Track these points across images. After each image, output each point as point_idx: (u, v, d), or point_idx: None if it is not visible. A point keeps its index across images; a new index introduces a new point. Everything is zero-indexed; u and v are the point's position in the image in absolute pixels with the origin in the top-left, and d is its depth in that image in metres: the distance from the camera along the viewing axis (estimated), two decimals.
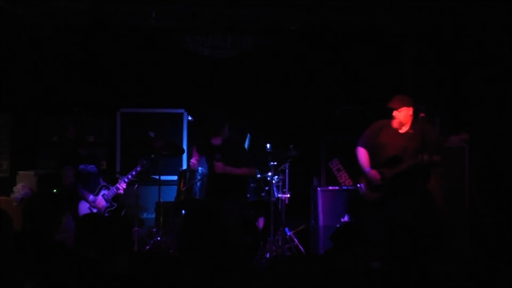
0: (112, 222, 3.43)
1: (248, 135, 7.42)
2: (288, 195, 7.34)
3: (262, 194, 7.20)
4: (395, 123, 5.93)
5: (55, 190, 7.33)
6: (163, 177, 7.12)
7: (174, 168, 7.88)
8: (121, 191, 6.75)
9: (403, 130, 5.95)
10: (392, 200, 5.86)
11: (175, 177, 7.63)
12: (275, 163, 7.20)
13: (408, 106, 5.89)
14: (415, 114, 5.93)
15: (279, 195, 7.30)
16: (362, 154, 6.07)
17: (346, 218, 7.01)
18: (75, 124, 6.82)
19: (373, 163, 6.01)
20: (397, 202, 5.83)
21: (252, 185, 7.18)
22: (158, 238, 6.97)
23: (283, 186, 7.35)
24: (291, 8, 7.52)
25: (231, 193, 6.07)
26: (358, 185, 6.07)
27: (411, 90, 8.02)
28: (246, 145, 7.27)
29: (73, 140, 6.76)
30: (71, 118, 7.94)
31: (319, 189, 7.38)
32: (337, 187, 7.51)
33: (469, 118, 7.12)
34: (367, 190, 6.00)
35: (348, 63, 8.38)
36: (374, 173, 5.94)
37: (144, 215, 7.89)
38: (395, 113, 5.90)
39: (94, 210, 6.53)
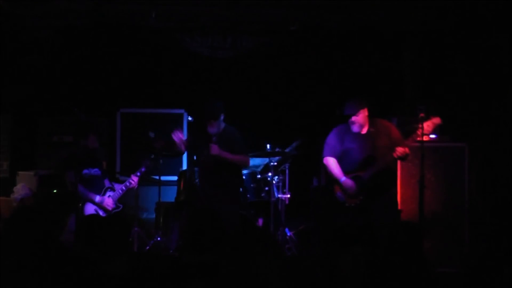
0: (110, 223, 3.43)
1: (296, 142, 7.40)
2: (288, 195, 7.34)
3: (262, 195, 7.20)
4: (355, 127, 5.90)
5: (55, 191, 7.33)
6: (163, 178, 7.12)
7: (174, 168, 7.88)
8: (134, 184, 6.65)
9: (364, 130, 5.95)
10: (373, 201, 5.84)
11: (175, 178, 7.64)
12: (275, 163, 7.21)
13: (363, 107, 5.89)
14: (370, 113, 5.93)
15: (279, 195, 7.30)
16: (333, 164, 6.00)
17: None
18: (94, 132, 6.68)
19: (343, 168, 5.97)
20: (378, 203, 5.82)
21: (252, 185, 7.19)
22: (158, 239, 6.98)
23: (283, 186, 7.35)
24: (290, 8, 7.52)
25: (227, 189, 6.13)
26: (336, 194, 6.02)
27: (411, 90, 8.03)
28: (288, 149, 7.28)
29: (96, 149, 6.67)
30: (70, 118, 7.94)
31: None
32: None
33: (469, 118, 7.12)
34: (346, 197, 5.96)
35: (348, 63, 8.38)
36: (350, 183, 5.86)
37: (144, 216, 7.90)
38: (353, 118, 5.87)
39: (100, 212, 6.46)
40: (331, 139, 6.08)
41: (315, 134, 7.95)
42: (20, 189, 7.45)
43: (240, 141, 6.21)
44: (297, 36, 8.26)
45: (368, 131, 5.94)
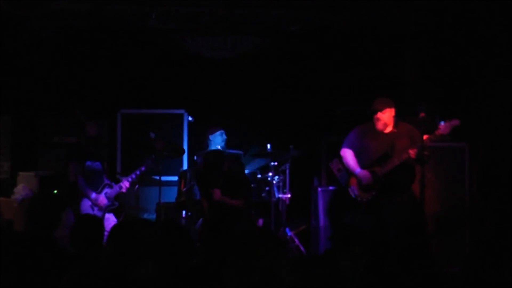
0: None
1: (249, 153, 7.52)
2: (289, 196, 7.34)
3: (263, 195, 7.21)
4: (379, 125, 5.98)
5: (55, 191, 7.33)
6: (163, 178, 7.12)
7: (174, 168, 7.88)
8: (124, 190, 6.72)
9: (388, 130, 6.02)
10: (386, 199, 5.86)
11: (175, 178, 7.64)
12: (276, 163, 7.21)
13: (390, 107, 5.98)
14: (396, 115, 6.00)
15: (280, 196, 7.30)
16: (349, 155, 6.09)
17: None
18: (88, 118, 6.76)
19: (360, 164, 6.03)
20: (391, 201, 5.83)
21: (252, 185, 7.19)
22: None
23: (284, 186, 7.35)
24: (291, 8, 7.52)
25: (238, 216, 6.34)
26: (349, 188, 6.05)
27: (411, 90, 8.02)
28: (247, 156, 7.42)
29: (95, 137, 6.71)
30: (71, 119, 7.94)
31: (319, 189, 7.37)
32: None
33: (469, 118, 7.11)
34: (359, 191, 5.99)
35: (348, 63, 8.38)
36: (365, 173, 5.94)
37: (145, 216, 7.89)
38: (379, 114, 5.94)
39: (95, 208, 6.50)
40: (352, 134, 6.18)
41: (316, 135, 7.98)
42: (20, 190, 7.44)
43: (245, 186, 6.51)
44: (297, 37, 8.26)
45: (391, 131, 6.00)
